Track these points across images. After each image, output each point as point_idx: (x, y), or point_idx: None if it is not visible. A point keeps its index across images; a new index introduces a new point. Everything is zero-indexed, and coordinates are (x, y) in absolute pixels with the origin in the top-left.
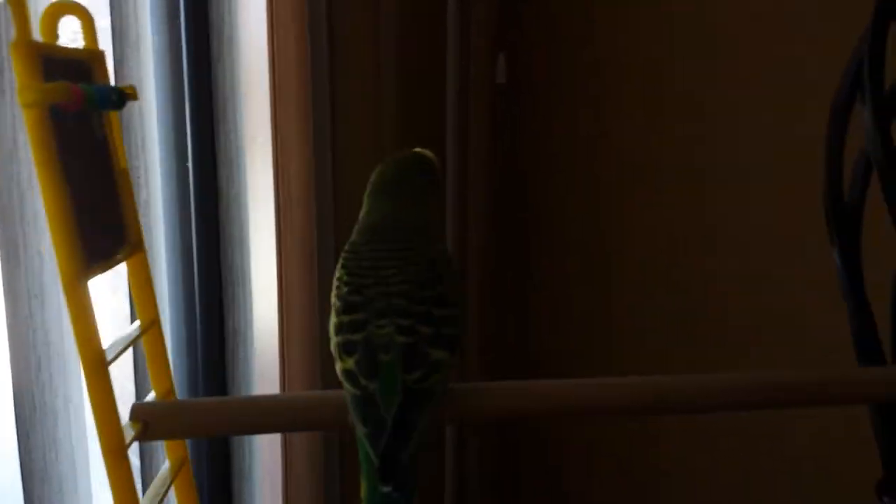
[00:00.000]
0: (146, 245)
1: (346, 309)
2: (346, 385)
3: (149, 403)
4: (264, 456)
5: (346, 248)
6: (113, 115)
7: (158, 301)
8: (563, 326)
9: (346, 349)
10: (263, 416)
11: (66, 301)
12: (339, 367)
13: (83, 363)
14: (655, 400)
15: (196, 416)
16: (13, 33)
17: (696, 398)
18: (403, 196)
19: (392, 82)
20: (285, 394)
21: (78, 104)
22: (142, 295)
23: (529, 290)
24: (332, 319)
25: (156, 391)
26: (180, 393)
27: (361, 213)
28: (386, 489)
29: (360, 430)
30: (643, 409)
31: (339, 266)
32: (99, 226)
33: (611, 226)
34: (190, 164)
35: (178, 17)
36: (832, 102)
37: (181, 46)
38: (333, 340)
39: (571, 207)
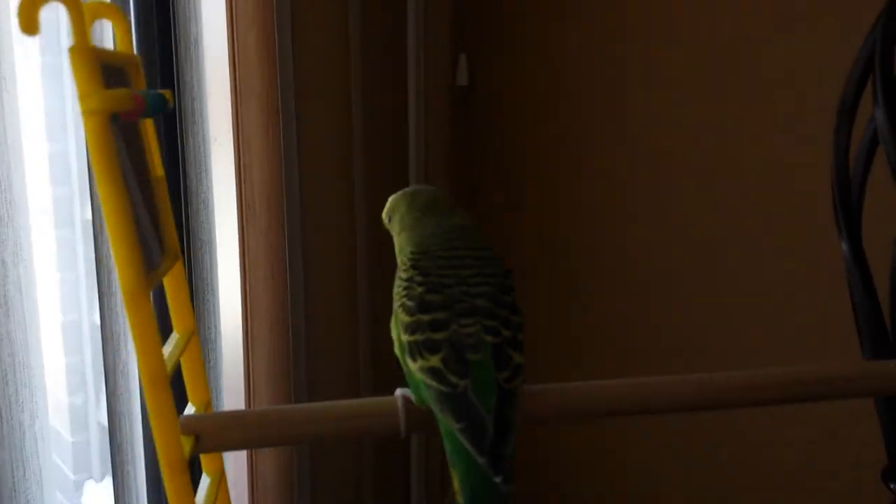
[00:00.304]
0: None
1: (423, 308)
2: (430, 382)
3: (200, 416)
4: (228, 464)
5: (412, 250)
6: (148, 121)
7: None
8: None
9: (428, 347)
10: (319, 423)
11: (127, 314)
12: (417, 365)
13: (143, 378)
14: (718, 395)
15: (249, 427)
16: (71, 38)
17: (745, 393)
18: (452, 213)
19: (358, 83)
20: (341, 401)
21: (139, 111)
22: (180, 306)
23: None
24: (404, 319)
25: (193, 404)
26: (140, 403)
27: (406, 233)
28: (497, 479)
29: (453, 426)
30: (705, 405)
31: (404, 268)
32: (147, 235)
33: (572, 226)
34: None
35: (145, 16)
36: (840, 98)
37: (147, 48)
38: (406, 338)
39: (533, 208)
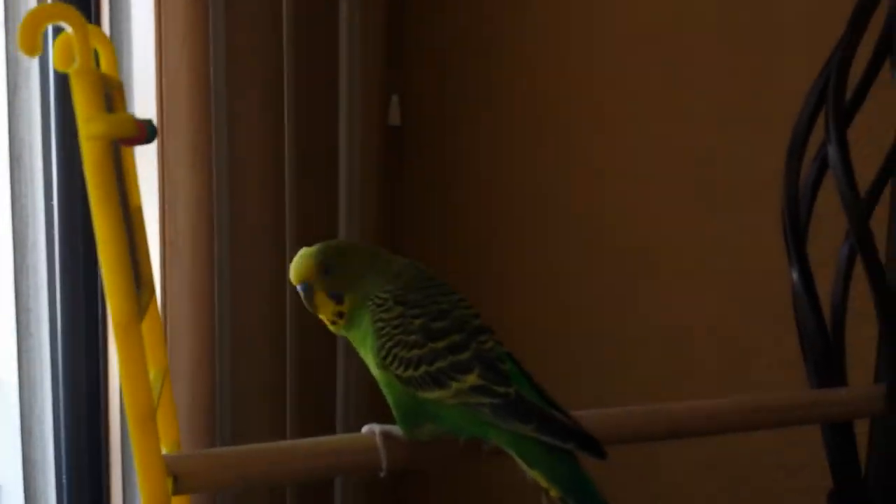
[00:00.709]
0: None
1: (432, 336)
2: (477, 399)
3: (178, 455)
4: None
5: (388, 289)
6: (128, 149)
7: (41, 350)
8: None
9: (459, 369)
10: (309, 461)
11: (117, 347)
12: (450, 390)
13: (131, 414)
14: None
15: (232, 466)
16: (77, 61)
17: (708, 422)
18: (395, 256)
19: (291, 120)
20: (329, 437)
21: (141, 138)
22: (155, 342)
23: None
24: (405, 354)
25: (164, 445)
26: (55, 443)
27: (367, 277)
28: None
29: (524, 430)
30: (667, 434)
31: (385, 308)
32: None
33: (501, 264)
34: (55, 203)
35: None
36: (792, 133)
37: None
38: (417, 372)
39: (463, 246)
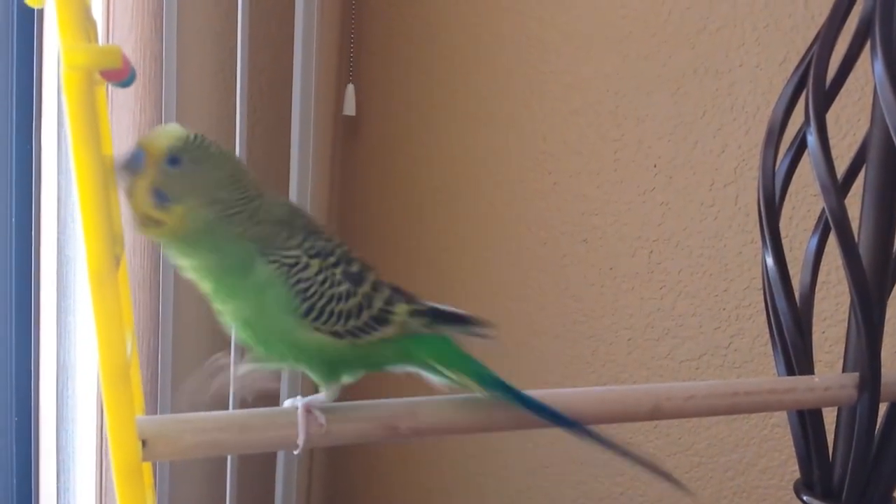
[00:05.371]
0: None
1: (356, 280)
2: (417, 321)
3: (149, 418)
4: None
5: (289, 247)
6: (101, 90)
7: None
8: None
9: (391, 303)
10: (288, 430)
11: (92, 299)
12: (394, 325)
13: (104, 371)
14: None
15: (207, 431)
16: None
17: (682, 403)
18: (260, 188)
19: (243, 112)
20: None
21: (125, 73)
22: (125, 301)
23: None
24: (345, 306)
25: None
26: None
27: (248, 209)
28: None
29: (449, 331)
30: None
31: (299, 268)
32: None
33: (458, 254)
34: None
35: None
36: (769, 120)
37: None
38: (366, 315)
39: (417, 236)
